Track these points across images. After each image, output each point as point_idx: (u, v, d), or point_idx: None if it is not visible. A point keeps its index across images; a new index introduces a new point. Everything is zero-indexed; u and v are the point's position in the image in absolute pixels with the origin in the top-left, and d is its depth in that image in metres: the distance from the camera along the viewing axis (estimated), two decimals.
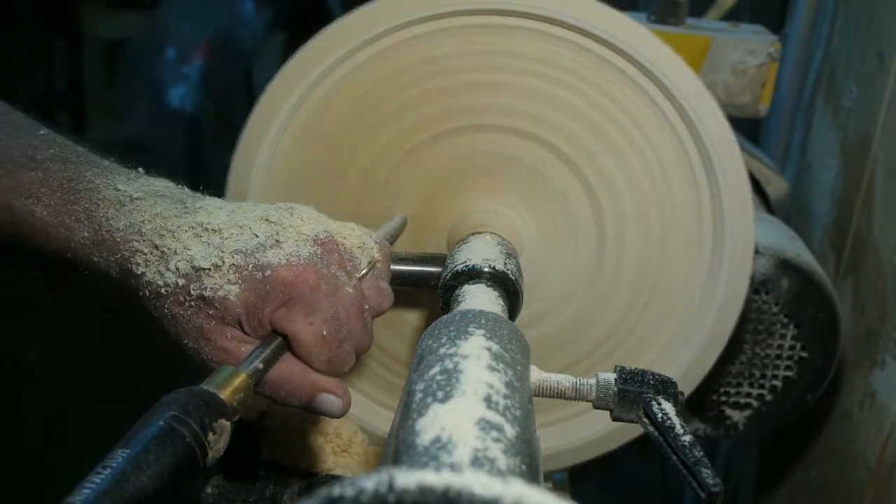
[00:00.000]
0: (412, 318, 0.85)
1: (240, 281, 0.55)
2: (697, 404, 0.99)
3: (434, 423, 0.38)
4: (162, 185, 0.61)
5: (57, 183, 0.58)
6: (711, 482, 0.49)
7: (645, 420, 0.54)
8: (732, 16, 1.19)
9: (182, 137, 3.47)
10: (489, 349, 0.48)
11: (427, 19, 0.76)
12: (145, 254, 0.56)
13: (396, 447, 0.38)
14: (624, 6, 0.77)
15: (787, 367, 0.97)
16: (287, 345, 0.57)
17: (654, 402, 0.54)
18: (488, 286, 0.66)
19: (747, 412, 1.00)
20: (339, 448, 0.79)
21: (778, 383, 0.98)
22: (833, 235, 1.14)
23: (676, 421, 0.53)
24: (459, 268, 0.68)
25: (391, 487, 0.27)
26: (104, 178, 0.59)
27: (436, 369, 0.45)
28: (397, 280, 0.75)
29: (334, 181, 0.81)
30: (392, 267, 0.74)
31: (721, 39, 1.05)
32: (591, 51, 0.76)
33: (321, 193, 0.81)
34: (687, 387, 0.82)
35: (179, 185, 0.63)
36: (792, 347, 0.96)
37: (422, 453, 0.36)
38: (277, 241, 0.57)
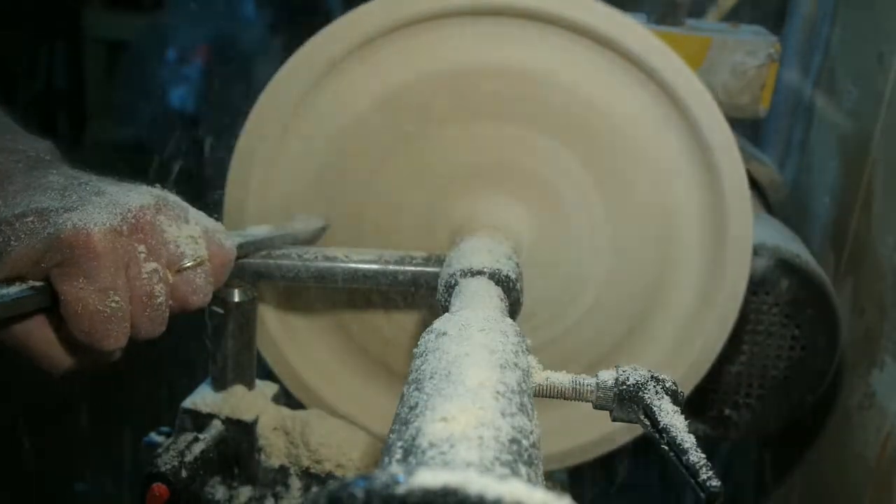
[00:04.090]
0: (413, 317, 0.85)
1: (29, 235, 0.56)
2: (697, 404, 0.99)
3: (434, 422, 0.38)
4: (44, 146, 0.64)
5: None
6: (711, 482, 0.49)
7: (645, 420, 0.54)
8: (732, 16, 1.19)
9: (182, 137, 3.46)
10: (489, 348, 0.48)
11: (429, 18, 0.76)
12: None
13: (397, 447, 0.38)
14: (623, 7, 0.77)
15: (787, 368, 0.97)
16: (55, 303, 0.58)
17: (654, 403, 0.54)
18: (488, 286, 0.66)
19: (747, 412, 1.00)
20: (339, 449, 0.79)
21: (778, 384, 0.98)
22: (833, 235, 1.14)
23: (677, 421, 0.52)
24: (460, 267, 0.68)
25: (391, 487, 0.27)
26: None
27: (436, 369, 0.45)
28: (397, 281, 0.75)
29: (334, 182, 0.81)
30: (391, 267, 0.74)
31: (720, 40, 1.05)
32: (591, 50, 0.76)
33: (321, 195, 0.81)
34: (687, 387, 0.82)
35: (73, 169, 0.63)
36: (792, 348, 0.96)
37: (422, 453, 0.36)
38: (82, 206, 0.57)
